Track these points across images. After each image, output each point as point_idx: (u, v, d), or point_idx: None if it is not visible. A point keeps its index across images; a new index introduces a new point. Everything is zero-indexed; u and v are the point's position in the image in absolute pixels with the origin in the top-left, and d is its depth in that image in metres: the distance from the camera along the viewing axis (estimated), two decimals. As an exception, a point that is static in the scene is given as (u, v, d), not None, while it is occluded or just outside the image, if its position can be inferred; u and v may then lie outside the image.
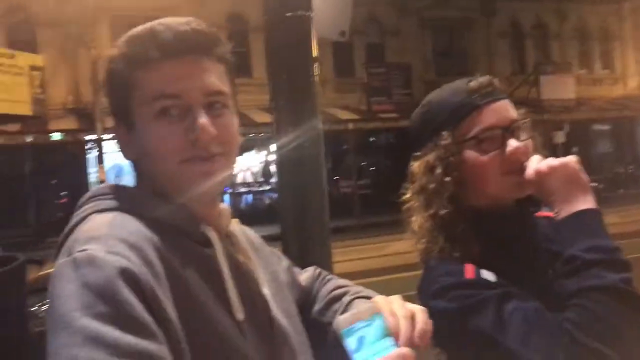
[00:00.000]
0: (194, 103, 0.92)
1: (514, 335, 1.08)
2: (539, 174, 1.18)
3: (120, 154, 0.99)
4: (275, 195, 18.67)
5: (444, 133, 1.26)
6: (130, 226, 0.86)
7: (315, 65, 2.23)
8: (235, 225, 1.08)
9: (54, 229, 15.97)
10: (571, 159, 1.18)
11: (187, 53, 0.92)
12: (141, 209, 0.91)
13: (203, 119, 0.91)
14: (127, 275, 0.78)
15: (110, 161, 16.15)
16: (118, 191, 0.95)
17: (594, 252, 1.09)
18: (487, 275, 1.18)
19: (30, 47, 16.56)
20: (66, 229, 0.91)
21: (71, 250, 0.82)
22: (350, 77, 21.00)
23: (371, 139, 22.54)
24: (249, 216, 15.69)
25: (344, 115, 19.11)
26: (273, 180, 18.71)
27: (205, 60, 0.94)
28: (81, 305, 0.74)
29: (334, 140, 18.53)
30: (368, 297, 1.08)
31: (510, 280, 1.18)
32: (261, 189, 19.77)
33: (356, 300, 1.08)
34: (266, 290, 1.01)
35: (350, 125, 18.94)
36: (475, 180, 1.26)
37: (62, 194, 18.97)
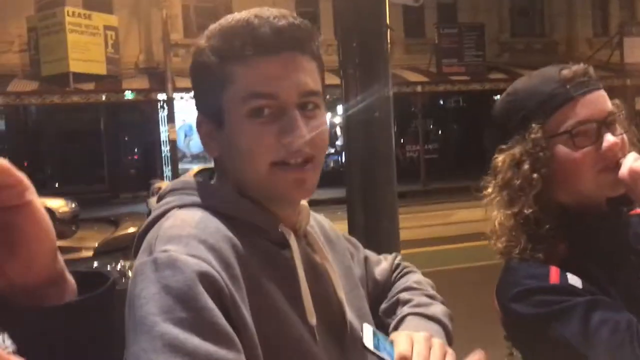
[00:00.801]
0: (289, 104, 0.89)
1: (601, 349, 1.00)
2: (634, 173, 1.08)
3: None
4: (338, 159, 18.68)
5: (534, 125, 1.16)
6: (211, 225, 0.86)
7: (387, 31, 2.12)
8: (312, 220, 1.04)
9: (127, 184, 16.68)
10: None
11: (284, 49, 0.89)
12: (222, 207, 0.90)
13: (299, 122, 0.88)
14: (207, 280, 0.77)
15: (180, 120, 16.54)
16: (200, 186, 0.94)
17: None
18: (573, 280, 1.09)
19: (105, 7, 17.00)
20: (147, 222, 0.91)
21: (152, 248, 0.82)
22: (421, 37, 20.47)
23: (440, 102, 22.04)
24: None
25: (413, 77, 18.72)
26: (338, 143, 18.68)
27: (300, 58, 0.91)
28: (161, 309, 0.74)
29: (401, 103, 18.22)
30: (426, 316, 1.03)
31: (598, 285, 1.09)
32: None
33: (409, 317, 1.03)
34: (341, 293, 0.98)
35: (419, 88, 18.54)
36: (566, 177, 1.15)
37: (134, 151, 19.68)
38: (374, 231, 2.23)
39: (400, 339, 0.90)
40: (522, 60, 19.03)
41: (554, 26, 22.18)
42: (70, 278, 0.78)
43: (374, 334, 0.89)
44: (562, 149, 1.15)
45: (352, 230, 2.21)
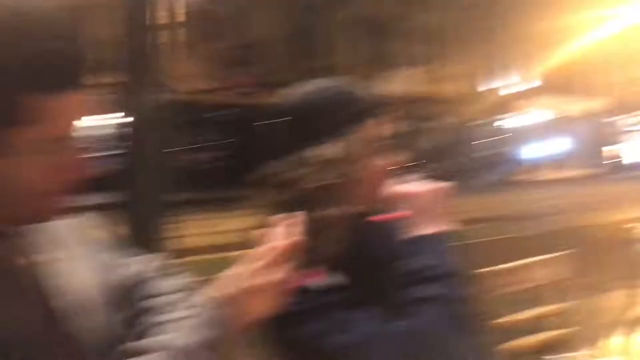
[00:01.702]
0: None
1: (333, 350, 1.03)
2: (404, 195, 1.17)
3: None
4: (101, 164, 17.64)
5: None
6: None
7: (152, 34, 2.08)
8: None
9: None
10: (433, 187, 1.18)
11: None
12: None
13: None
14: None
15: None
16: None
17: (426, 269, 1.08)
18: (321, 281, 1.09)
19: None
20: None
21: None
22: (202, 48, 20.32)
23: (219, 113, 22.11)
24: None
25: (189, 86, 18.50)
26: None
27: None
28: None
29: (174, 111, 17.88)
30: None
31: (347, 288, 1.11)
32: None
33: None
34: (58, 302, 0.87)
35: (196, 97, 18.37)
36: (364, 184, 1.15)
37: None
38: (139, 238, 2.19)
39: None
40: (299, 77, 19.90)
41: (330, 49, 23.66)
42: None
43: None
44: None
45: (116, 237, 2.12)
